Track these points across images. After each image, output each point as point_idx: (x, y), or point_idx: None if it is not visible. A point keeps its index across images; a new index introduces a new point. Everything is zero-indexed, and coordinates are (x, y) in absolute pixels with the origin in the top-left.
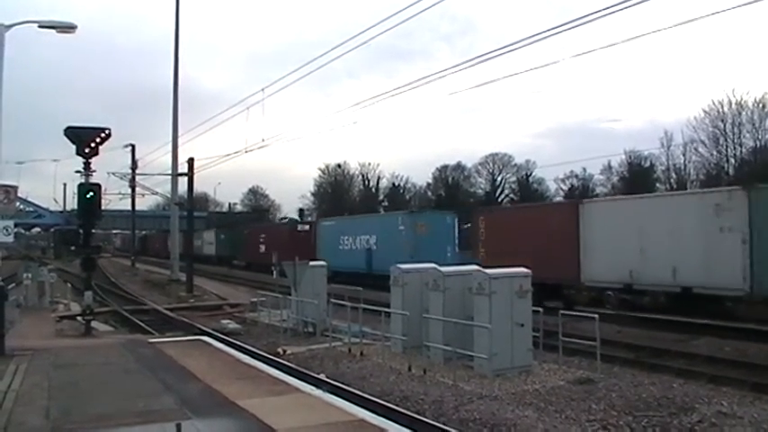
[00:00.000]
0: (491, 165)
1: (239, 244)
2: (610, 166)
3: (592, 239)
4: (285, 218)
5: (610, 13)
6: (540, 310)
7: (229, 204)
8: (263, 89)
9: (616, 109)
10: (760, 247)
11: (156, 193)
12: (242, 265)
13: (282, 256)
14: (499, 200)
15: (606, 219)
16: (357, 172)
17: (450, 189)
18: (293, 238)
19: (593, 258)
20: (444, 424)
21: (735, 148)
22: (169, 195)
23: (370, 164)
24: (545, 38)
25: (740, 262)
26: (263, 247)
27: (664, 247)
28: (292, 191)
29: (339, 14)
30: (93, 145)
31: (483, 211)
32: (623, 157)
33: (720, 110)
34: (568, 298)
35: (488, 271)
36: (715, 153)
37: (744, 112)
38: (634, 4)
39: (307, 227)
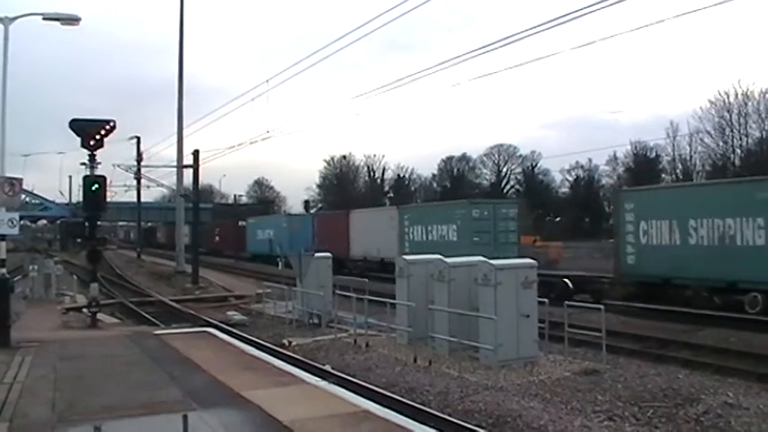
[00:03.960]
0: (496, 156)
1: (203, 235)
2: (615, 157)
3: (354, 233)
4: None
5: (613, 4)
6: (546, 301)
7: (234, 196)
8: (267, 80)
9: (620, 100)
10: (402, 237)
11: (162, 185)
12: (204, 252)
13: (227, 244)
14: (505, 191)
15: (358, 221)
16: (362, 163)
17: (456, 180)
18: (235, 230)
19: (353, 244)
20: (449, 415)
21: (741, 139)
22: (174, 187)
23: (375, 155)
24: (547, 29)
25: (397, 245)
26: (217, 238)
27: (376, 237)
28: (298, 182)
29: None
30: (97, 137)
31: (317, 215)
32: (629, 147)
33: (726, 100)
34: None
35: (494, 262)
36: (721, 144)
37: (750, 103)
38: None
39: (245, 223)
